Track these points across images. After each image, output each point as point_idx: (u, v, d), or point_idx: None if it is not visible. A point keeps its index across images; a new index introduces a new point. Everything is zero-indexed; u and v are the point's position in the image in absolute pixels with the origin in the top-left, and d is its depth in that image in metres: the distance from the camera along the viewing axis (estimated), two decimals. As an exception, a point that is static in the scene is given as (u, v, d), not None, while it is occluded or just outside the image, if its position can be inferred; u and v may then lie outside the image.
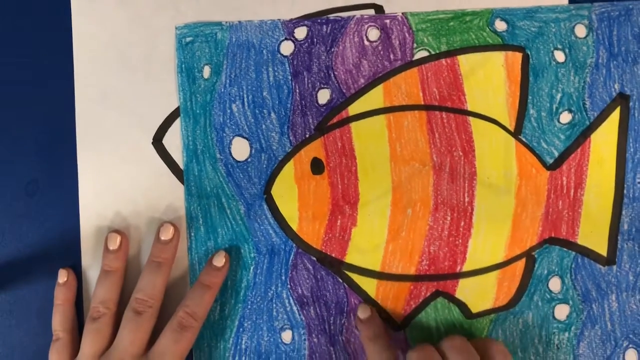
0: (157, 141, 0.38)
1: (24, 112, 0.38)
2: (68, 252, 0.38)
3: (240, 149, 0.40)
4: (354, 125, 0.40)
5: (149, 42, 0.38)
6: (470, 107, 0.40)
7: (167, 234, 0.37)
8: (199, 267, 0.40)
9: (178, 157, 0.38)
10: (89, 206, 0.38)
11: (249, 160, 0.40)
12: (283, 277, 0.40)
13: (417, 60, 0.40)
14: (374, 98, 0.40)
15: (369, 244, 0.40)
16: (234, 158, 0.39)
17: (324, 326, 0.40)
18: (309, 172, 0.40)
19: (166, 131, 0.38)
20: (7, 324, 0.38)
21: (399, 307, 0.40)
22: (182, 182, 0.38)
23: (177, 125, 0.38)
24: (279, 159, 0.40)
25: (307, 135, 0.40)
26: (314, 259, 0.40)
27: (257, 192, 0.40)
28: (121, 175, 0.38)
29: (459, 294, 0.40)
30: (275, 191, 0.40)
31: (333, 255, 0.40)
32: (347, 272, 0.40)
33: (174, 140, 0.38)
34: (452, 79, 0.40)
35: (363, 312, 0.38)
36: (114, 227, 0.38)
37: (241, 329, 0.40)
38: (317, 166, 0.40)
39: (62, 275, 0.37)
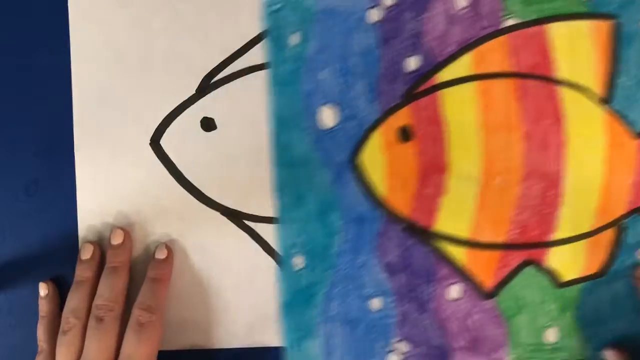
0: (155, 142, 0.38)
1: (24, 112, 0.38)
2: (68, 252, 0.38)
3: (328, 116, 0.39)
4: (443, 92, 0.39)
5: (147, 43, 0.37)
6: (559, 75, 0.39)
7: (117, 238, 0.37)
8: (287, 235, 0.39)
9: (176, 158, 0.38)
10: (86, 208, 0.38)
11: (337, 127, 0.39)
12: (371, 245, 0.40)
13: (506, 28, 0.39)
14: (463, 65, 0.39)
15: (457, 213, 0.40)
16: (321, 126, 0.39)
17: (413, 294, 0.40)
18: (397, 140, 0.40)
19: (164, 132, 0.38)
20: (7, 324, 0.38)
21: (489, 276, 0.40)
22: (180, 184, 0.38)
23: (175, 126, 0.38)
24: (367, 126, 0.40)
25: (395, 103, 0.39)
26: (402, 227, 0.40)
27: (345, 160, 0.39)
28: (119, 176, 0.38)
29: (549, 263, 0.40)
30: (363, 159, 0.39)
31: (421, 223, 0.40)
32: (436, 241, 0.40)
33: (171, 141, 0.38)
34: (541, 47, 0.39)
35: None
36: (112, 228, 0.38)
37: (330, 296, 0.40)
38: (405, 134, 0.40)
39: (43, 289, 0.37)
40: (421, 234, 0.40)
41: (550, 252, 0.40)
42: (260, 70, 0.38)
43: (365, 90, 0.39)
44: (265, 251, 0.39)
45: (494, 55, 0.39)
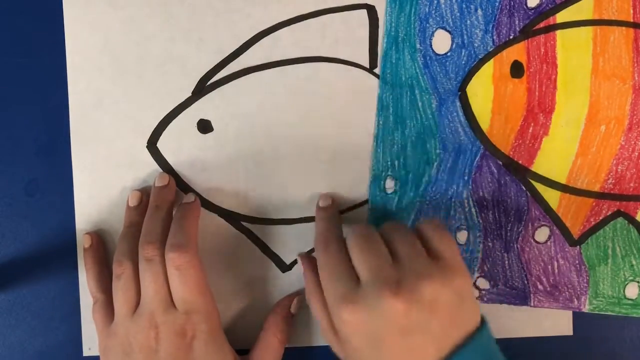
0: (152, 145, 0.37)
1: (23, 112, 0.37)
2: (68, 252, 0.38)
3: (441, 41, 0.39)
4: (560, 33, 0.39)
5: (142, 46, 0.37)
6: (678, 30, 0.39)
7: (162, 180, 0.36)
8: (382, 155, 0.39)
9: (173, 160, 0.37)
10: (84, 210, 0.37)
11: (449, 54, 0.39)
12: (466, 177, 0.40)
13: (631, -23, 0.39)
14: (584, 8, 0.39)
15: (558, 155, 0.39)
16: (433, 50, 0.38)
17: (500, 232, 0.40)
18: (507, 74, 0.39)
19: (160, 135, 0.37)
20: (7, 324, 0.38)
21: (578, 223, 0.40)
22: (177, 186, 0.37)
23: (171, 128, 0.37)
24: (480, 57, 0.39)
25: (511, 37, 0.39)
26: (500, 163, 0.39)
27: (452, 88, 0.39)
28: (116, 179, 0.37)
29: (640, 217, 0.40)
30: (471, 89, 0.39)
31: (520, 161, 0.40)
32: (531, 181, 0.40)
33: (168, 143, 0.37)
34: (665, 1, 0.39)
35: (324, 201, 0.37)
36: (109, 231, 0.38)
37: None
38: (517, 69, 0.39)
39: (87, 240, 0.37)
40: (518, 172, 0.40)
41: (643, 207, 0.40)
42: (256, 71, 0.37)
43: (484, 20, 0.39)
44: (263, 252, 0.38)
45: (616, 2, 0.39)
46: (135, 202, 0.36)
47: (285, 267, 0.38)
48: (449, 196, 0.40)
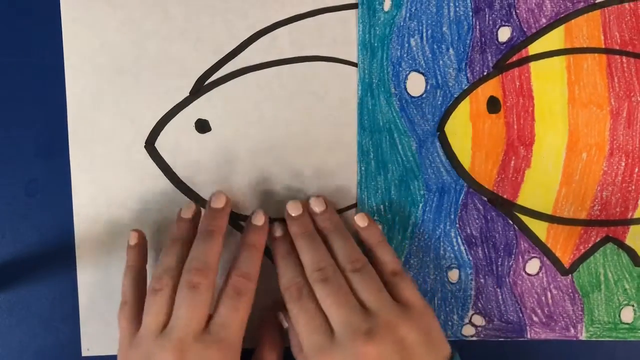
0: (150, 144, 0.37)
1: (24, 112, 0.37)
2: (68, 252, 0.38)
3: (415, 84, 0.39)
4: (533, 64, 0.39)
5: (140, 46, 0.37)
6: (651, 52, 0.39)
7: (219, 202, 0.35)
8: (367, 201, 0.39)
9: (171, 160, 0.37)
10: (82, 211, 0.37)
11: (424, 96, 0.39)
12: (452, 216, 0.40)
13: (599, 3, 0.39)
14: (555, 38, 0.39)
15: (542, 186, 0.40)
16: (408, 93, 0.39)
17: (491, 267, 0.40)
18: (484, 111, 0.39)
19: (158, 134, 0.37)
20: (7, 324, 0.38)
21: (568, 252, 0.40)
22: (175, 186, 0.38)
23: (169, 128, 0.37)
24: (455, 95, 0.39)
25: (484, 73, 0.39)
26: (485, 199, 0.40)
27: (430, 129, 0.39)
28: (114, 179, 0.37)
29: (629, 241, 0.40)
30: (449, 129, 0.39)
31: (505, 196, 0.40)
32: (517, 214, 0.40)
33: (166, 143, 0.37)
34: (635, 24, 0.39)
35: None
36: (108, 231, 0.38)
37: (407, 266, 0.39)
38: (493, 104, 0.39)
39: (133, 237, 0.36)
40: (504, 206, 0.40)
41: (631, 230, 0.40)
42: (254, 71, 0.37)
43: (456, 58, 0.39)
44: (266, 254, 0.37)
45: (586, 29, 0.39)
46: (189, 214, 0.36)
47: None
48: (437, 236, 0.40)
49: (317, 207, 0.37)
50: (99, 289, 0.38)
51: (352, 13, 0.38)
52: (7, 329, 0.38)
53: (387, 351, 0.31)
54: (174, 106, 0.37)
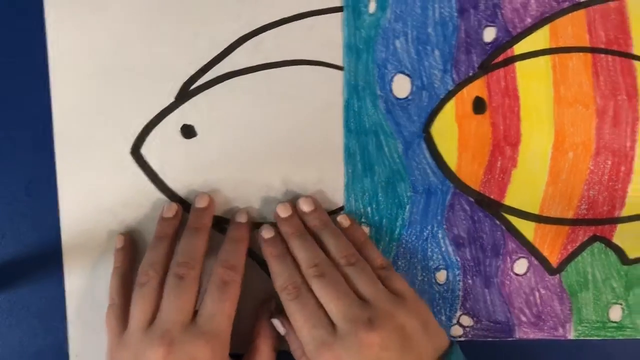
0: (136, 151, 0.37)
1: (24, 112, 0.37)
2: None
3: (401, 86, 0.39)
4: (519, 64, 0.39)
5: (125, 51, 0.37)
6: (636, 51, 0.39)
7: (202, 202, 0.36)
8: (354, 203, 0.39)
9: (157, 166, 0.37)
10: (69, 217, 0.37)
11: (410, 97, 0.39)
12: (439, 217, 0.40)
13: (584, 2, 0.39)
14: (540, 38, 0.39)
15: (528, 186, 0.40)
16: (394, 95, 0.39)
17: (479, 268, 0.40)
18: (470, 111, 0.39)
19: (144, 141, 0.37)
20: (7, 324, 0.38)
21: (555, 251, 0.40)
22: (162, 192, 0.38)
23: (155, 134, 0.37)
24: (441, 97, 0.39)
25: (470, 74, 0.39)
26: (472, 200, 0.40)
27: (416, 131, 0.39)
28: (101, 186, 0.37)
29: (617, 239, 0.40)
30: (435, 130, 0.39)
31: (491, 196, 0.40)
32: (505, 214, 0.40)
33: (152, 149, 0.37)
34: (619, 22, 0.39)
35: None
36: (95, 237, 0.38)
37: (395, 268, 0.39)
38: (479, 105, 0.39)
39: (120, 240, 0.37)
40: (491, 207, 0.40)
41: (618, 229, 0.40)
42: (239, 75, 0.37)
43: (441, 60, 0.39)
44: (250, 256, 0.38)
45: (571, 29, 0.39)
46: (171, 214, 0.37)
47: None
48: (425, 237, 0.40)
49: (306, 206, 0.37)
50: (86, 296, 0.38)
51: (338, 16, 0.38)
52: (7, 329, 0.38)
53: (390, 338, 0.32)
54: (160, 112, 0.37)
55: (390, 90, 0.39)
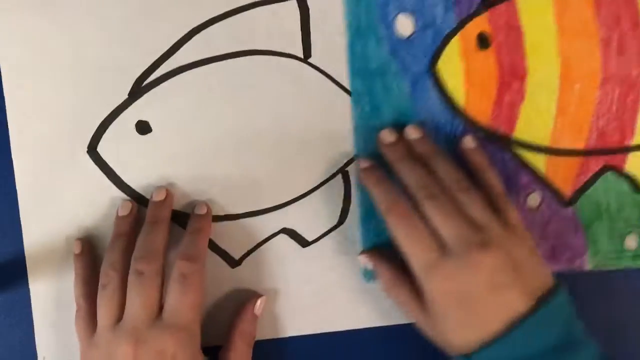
0: (92, 149, 0.37)
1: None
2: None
3: (404, 25, 0.38)
4: (520, -2, 0.39)
5: (76, 50, 0.37)
6: (636, -21, 0.39)
7: (160, 195, 0.36)
8: (364, 144, 0.39)
9: (114, 163, 0.37)
10: (29, 218, 0.37)
11: (414, 36, 0.38)
12: (450, 156, 0.39)
13: None
14: (540, -30, 0.39)
15: (537, 119, 0.39)
16: (398, 35, 0.38)
17: (492, 204, 0.40)
18: (475, 47, 0.39)
19: (100, 138, 0.37)
20: (7, 324, 0.38)
21: (568, 183, 0.40)
22: (120, 189, 0.37)
23: (110, 131, 0.37)
24: (445, 34, 0.39)
25: (472, 9, 0.39)
26: (482, 135, 0.39)
27: (422, 69, 0.38)
28: (59, 186, 0.37)
29: (628, 169, 0.40)
30: (441, 67, 0.38)
31: (501, 131, 0.40)
32: (515, 148, 0.40)
33: (109, 147, 0.37)
34: (619, -50, 0.39)
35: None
36: (56, 238, 0.37)
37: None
38: (483, 40, 0.39)
39: (77, 247, 0.37)
40: (501, 142, 0.40)
41: (629, 158, 0.40)
42: (191, 69, 0.37)
43: (442, -4, 0.39)
44: (211, 249, 0.38)
45: (571, -41, 0.39)
46: (126, 212, 0.36)
47: (234, 263, 0.38)
48: (436, 176, 0.39)
49: (414, 134, 0.37)
50: (52, 299, 0.38)
51: (287, 5, 0.37)
52: (7, 329, 0.38)
53: (503, 262, 0.32)
54: (114, 109, 0.37)
55: (394, 30, 0.39)
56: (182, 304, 0.33)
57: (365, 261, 0.37)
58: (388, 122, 0.39)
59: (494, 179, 0.36)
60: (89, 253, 0.37)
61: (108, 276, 0.34)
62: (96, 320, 0.34)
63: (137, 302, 0.33)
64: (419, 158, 0.36)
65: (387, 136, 0.37)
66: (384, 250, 0.37)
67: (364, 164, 0.37)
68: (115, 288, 0.34)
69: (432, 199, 0.33)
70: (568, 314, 0.32)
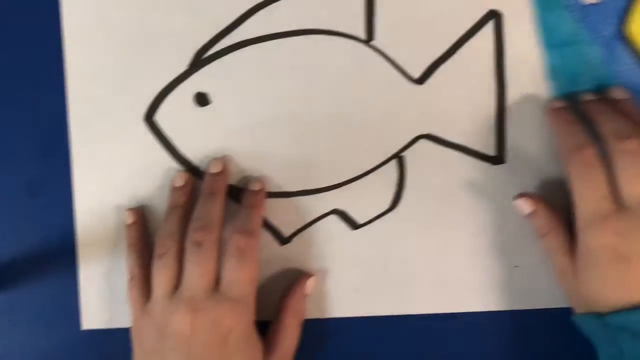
0: (149, 119, 0.37)
1: (23, 112, 0.37)
2: (68, 252, 0.37)
3: (590, -9, 0.35)
4: None
5: (138, 19, 0.37)
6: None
7: (216, 167, 0.36)
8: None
9: (170, 133, 0.37)
10: (84, 187, 0.37)
11: (601, 1, 0.36)
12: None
13: None
14: None
15: None
16: (585, 2, 0.36)
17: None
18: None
19: (157, 108, 0.37)
20: (7, 324, 0.37)
21: None
22: (176, 160, 0.37)
23: (168, 101, 0.37)
24: (634, -6, 0.35)
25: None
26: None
27: (614, 34, 0.36)
28: (115, 154, 0.37)
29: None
30: (633, 30, 0.35)
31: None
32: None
33: (166, 117, 0.37)
34: None
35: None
36: (110, 205, 0.37)
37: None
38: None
39: (130, 216, 0.36)
40: None
41: None
42: (253, 44, 0.37)
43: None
44: (265, 226, 0.37)
45: None
46: (181, 182, 0.36)
47: (284, 240, 0.38)
48: None
49: (621, 94, 0.35)
50: (102, 269, 0.37)
51: None
52: (7, 328, 0.37)
53: None
54: (173, 80, 0.37)
55: (580, -3, 0.35)
56: (239, 277, 0.33)
57: (522, 205, 0.35)
58: (586, 92, 0.36)
59: None
60: (142, 223, 0.37)
61: (165, 245, 0.34)
62: (150, 289, 0.34)
63: (196, 272, 0.33)
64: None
65: (589, 95, 0.35)
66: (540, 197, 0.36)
67: (557, 104, 0.35)
68: (172, 257, 0.33)
69: (629, 154, 0.31)
70: None
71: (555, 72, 0.36)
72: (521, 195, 0.35)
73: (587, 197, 0.31)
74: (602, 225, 0.31)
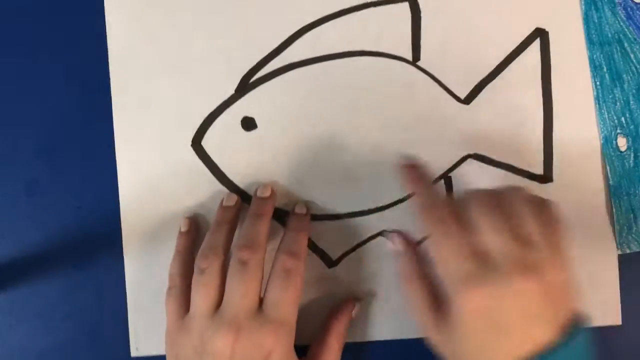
0: (196, 143, 0.37)
1: (24, 112, 0.37)
2: (68, 252, 0.37)
3: (639, -12, 0.35)
4: None
5: (185, 43, 0.37)
6: None
7: (265, 192, 0.36)
8: (607, 115, 0.35)
9: (217, 158, 0.37)
10: (128, 207, 0.37)
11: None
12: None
13: None
14: None
15: None
16: (633, 0, 0.35)
17: None
18: None
19: (205, 133, 0.37)
20: (7, 324, 0.37)
21: None
22: (223, 184, 0.37)
23: (215, 126, 0.37)
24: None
25: None
26: None
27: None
28: (161, 179, 0.37)
29: None
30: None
31: None
32: None
33: (213, 142, 0.37)
34: None
35: None
36: (154, 230, 0.37)
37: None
38: None
39: (185, 224, 0.36)
40: None
41: None
42: (299, 67, 0.37)
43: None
44: (309, 248, 0.37)
45: None
46: (231, 203, 0.36)
47: (331, 263, 0.37)
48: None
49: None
50: (145, 287, 0.37)
51: (399, 7, 0.37)
52: (7, 329, 0.37)
53: (542, 291, 0.29)
54: (220, 104, 0.37)
55: (629, -5, 0.35)
56: (283, 299, 0.32)
57: (393, 239, 0.35)
58: (629, 90, 0.36)
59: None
60: (194, 233, 0.37)
61: (208, 260, 0.33)
62: (188, 302, 0.34)
63: (239, 291, 0.32)
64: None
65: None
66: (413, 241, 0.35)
67: (407, 162, 0.35)
68: (214, 273, 0.33)
69: (491, 212, 0.30)
70: (589, 352, 0.30)
71: (597, 68, 0.36)
72: (390, 232, 0.35)
73: (449, 256, 0.30)
74: (471, 288, 0.29)
